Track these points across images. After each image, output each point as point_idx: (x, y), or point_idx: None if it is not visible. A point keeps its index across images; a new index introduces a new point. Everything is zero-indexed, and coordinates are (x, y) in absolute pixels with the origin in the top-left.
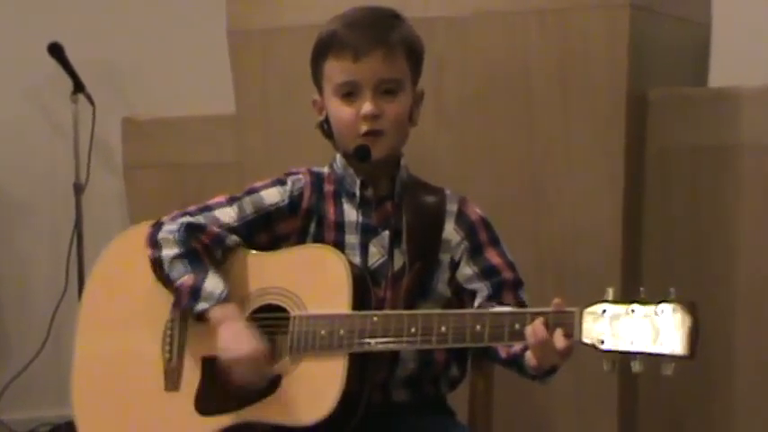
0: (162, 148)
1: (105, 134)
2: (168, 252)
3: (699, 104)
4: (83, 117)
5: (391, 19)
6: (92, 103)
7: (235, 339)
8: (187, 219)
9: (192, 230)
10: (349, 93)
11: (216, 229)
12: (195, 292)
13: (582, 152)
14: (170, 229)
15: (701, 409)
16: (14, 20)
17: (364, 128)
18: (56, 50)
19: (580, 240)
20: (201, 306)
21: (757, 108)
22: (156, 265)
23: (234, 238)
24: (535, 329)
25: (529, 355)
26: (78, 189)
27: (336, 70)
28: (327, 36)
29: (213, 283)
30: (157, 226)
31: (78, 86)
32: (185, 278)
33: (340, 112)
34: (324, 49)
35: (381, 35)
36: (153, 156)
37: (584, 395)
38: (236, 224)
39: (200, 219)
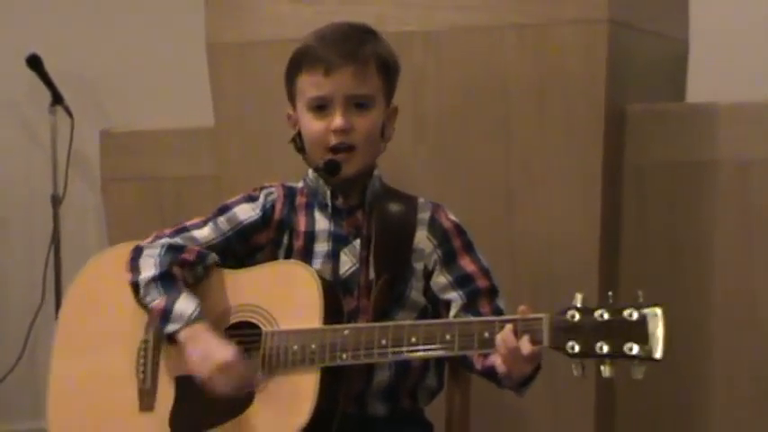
0: (140, 161)
1: (83, 146)
2: (144, 275)
3: (676, 119)
4: (61, 129)
5: (365, 34)
6: (70, 115)
7: (206, 353)
8: (167, 240)
9: (172, 251)
10: (320, 107)
11: (196, 248)
12: (166, 314)
13: (559, 166)
14: (150, 252)
15: (676, 410)
16: None
17: (334, 141)
18: (34, 62)
19: (557, 253)
20: (171, 327)
21: (734, 123)
22: (134, 289)
23: (213, 256)
24: (505, 338)
25: (499, 363)
26: (56, 201)
27: (308, 84)
28: (300, 51)
29: (184, 305)
30: (137, 250)
31: (57, 98)
32: (157, 301)
33: (311, 125)
34: (297, 63)
35: (353, 50)
36: (131, 168)
37: (562, 396)
38: (213, 242)
39: (178, 240)
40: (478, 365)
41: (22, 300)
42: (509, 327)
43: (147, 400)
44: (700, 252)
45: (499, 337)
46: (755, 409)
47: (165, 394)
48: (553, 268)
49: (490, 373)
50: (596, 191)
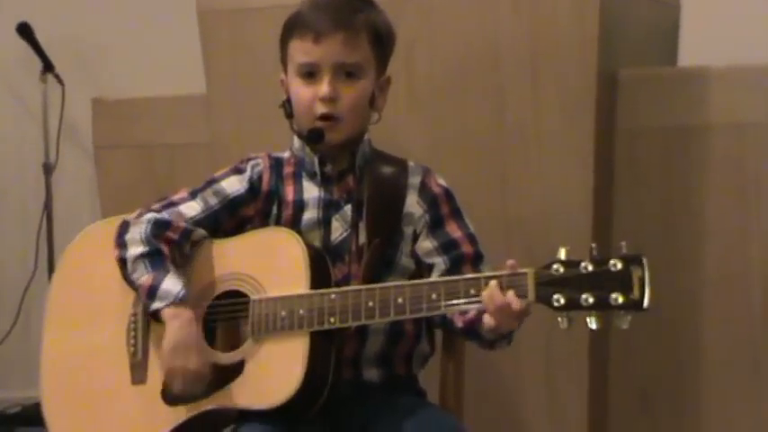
0: (132, 129)
1: (75, 114)
2: (133, 252)
3: (668, 84)
4: (52, 97)
5: (358, 3)
6: (61, 83)
7: (182, 347)
8: (153, 215)
9: (159, 227)
10: (309, 73)
11: (182, 224)
12: (152, 292)
13: (552, 132)
14: (136, 228)
15: (669, 384)
16: None
17: (321, 110)
18: (25, 30)
19: (550, 218)
20: (156, 305)
21: (725, 87)
22: (121, 264)
23: (201, 232)
24: (492, 295)
25: (487, 318)
26: (48, 169)
27: (298, 51)
28: (293, 17)
29: (171, 284)
30: (124, 226)
31: (47, 66)
32: (145, 278)
33: (299, 91)
34: (289, 28)
35: (344, 18)
36: (123, 136)
37: (555, 370)
38: (201, 216)
39: (164, 215)
40: (459, 323)
41: (14, 268)
42: (494, 283)
43: (138, 373)
44: (693, 216)
45: (486, 295)
46: (748, 374)
47: (157, 366)
48: (547, 232)
49: (471, 330)
50: (589, 156)
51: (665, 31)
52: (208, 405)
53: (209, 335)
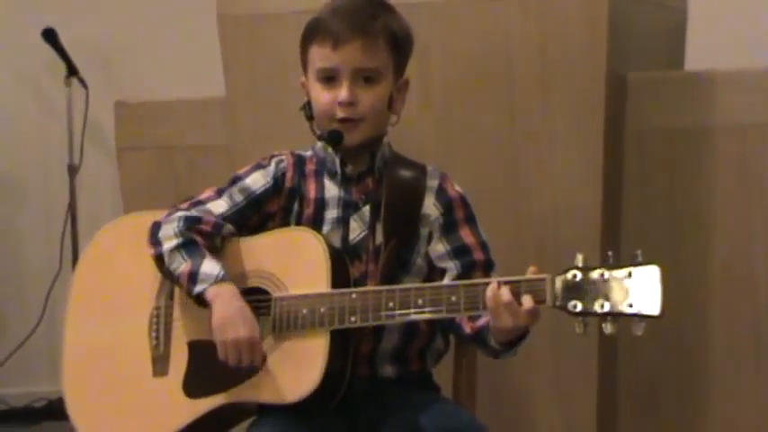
0: (154, 131)
1: (98, 117)
2: (168, 246)
3: (675, 87)
4: (76, 100)
5: (376, 8)
6: (85, 86)
7: (230, 321)
8: (183, 213)
9: (190, 222)
10: (328, 78)
11: (213, 218)
12: (193, 277)
13: (562, 133)
14: (168, 225)
15: (676, 382)
16: (10, 5)
17: (340, 114)
18: (50, 36)
19: (561, 217)
20: (198, 288)
21: (731, 90)
22: (159, 261)
23: (229, 227)
24: (494, 293)
25: (491, 319)
26: (72, 170)
27: (318, 56)
28: (313, 22)
29: (209, 267)
30: (155, 226)
31: (72, 70)
32: (183, 266)
33: (319, 96)
34: (309, 34)
35: (362, 24)
36: (145, 138)
37: (565, 370)
38: (228, 213)
39: (193, 212)
40: (467, 329)
41: (40, 267)
42: (494, 283)
43: (160, 365)
44: (699, 215)
45: (489, 292)
46: (755, 369)
47: (178, 359)
48: (557, 231)
49: (478, 337)
50: (598, 156)
51: (673, 36)
52: (227, 399)
53: None
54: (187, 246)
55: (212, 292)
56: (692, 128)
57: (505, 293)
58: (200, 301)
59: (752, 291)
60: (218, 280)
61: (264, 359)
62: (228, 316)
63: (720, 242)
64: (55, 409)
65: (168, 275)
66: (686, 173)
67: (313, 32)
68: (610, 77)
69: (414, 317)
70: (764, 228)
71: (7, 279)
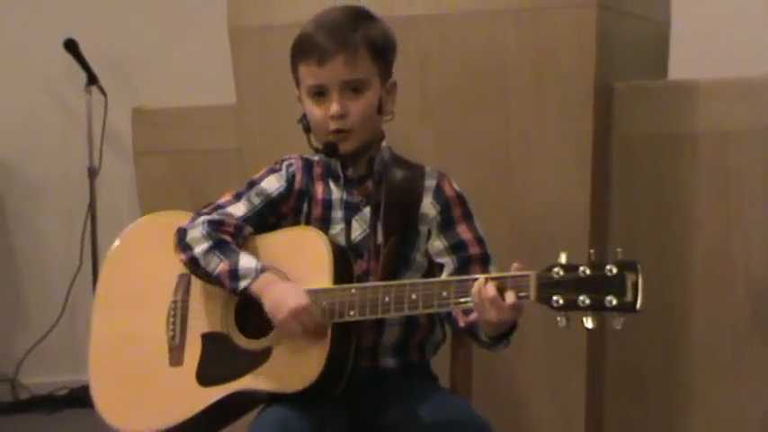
0: (169, 136)
1: (117, 123)
2: (200, 249)
3: (659, 95)
4: (96, 107)
5: (356, 21)
6: (104, 94)
7: (279, 300)
8: (206, 217)
9: (214, 224)
10: (318, 93)
11: (234, 221)
12: (233, 274)
13: (554, 138)
14: (194, 230)
15: (661, 370)
16: (33, 18)
17: (333, 126)
18: (71, 46)
19: (552, 217)
20: (243, 284)
21: (712, 99)
22: (193, 264)
23: (249, 229)
24: (479, 289)
25: (478, 313)
26: (92, 173)
27: (306, 74)
28: (298, 40)
29: (246, 261)
30: (181, 232)
31: (92, 79)
32: (221, 266)
33: (312, 111)
34: (296, 53)
35: (343, 39)
36: (160, 143)
37: (556, 360)
38: (248, 215)
39: (215, 216)
40: (461, 323)
41: (61, 264)
42: (481, 280)
43: (176, 355)
44: (682, 215)
45: (474, 288)
46: (733, 354)
47: (193, 350)
48: (548, 231)
49: (470, 331)
50: (587, 160)
51: (657, 47)
52: (237, 387)
53: (241, 323)
54: (220, 246)
55: (257, 285)
56: (674, 133)
57: (490, 289)
58: (245, 295)
59: (730, 287)
60: (259, 272)
61: (270, 350)
62: (276, 298)
63: (702, 241)
64: (76, 398)
65: (205, 277)
66: (669, 175)
67: (299, 52)
68: (598, 86)
69: (408, 311)
70: (742, 227)
71: (31, 275)
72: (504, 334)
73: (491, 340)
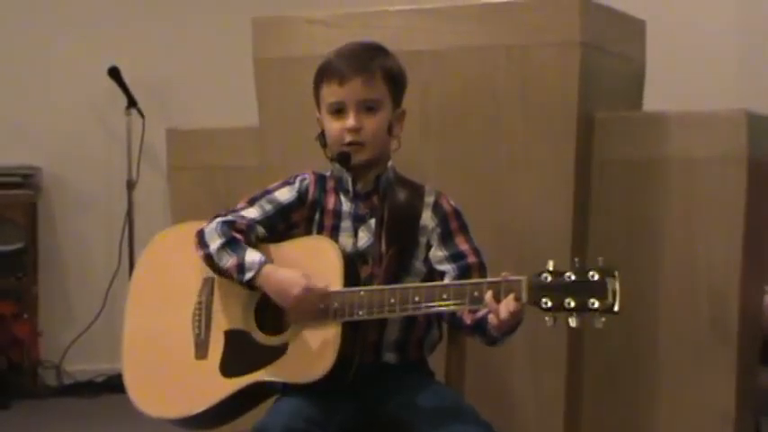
0: (198, 154)
1: (153, 141)
2: (214, 246)
3: (635, 125)
4: (134, 127)
5: (373, 51)
6: (142, 116)
7: (280, 289)
8: (221, 219)
9: (228, 224)
10: (337, 110)
11: (245, 221)
12: (240, 267)
13: (540, 162)
14: (210, 230)
15: (632, 365)
16: (80, 47)
17: (348, 138)
18: (114, 73)
19: (537, 233)
20: (247, 276)
21: (681, 129)
22: (209, 259)
23: (261, 229)
24: (507, 303)
25: (492, 317)
26: (130, 185)
27: (327, 93)
28: (322, 66)
29: (252, 256)
30: (200, 233)
31: (131, 102)
32: (231, 261)
33: (331, 125)
34: (319, 76)
35: (363, 64)
36: (191, 160)
37: (539, 356)
38: (259, 219)
39: (229, 217)
40: (468, 321)
41: (102, 265)
42: (491, 291)
43: (201, 349)
44: (652, 233)
45: (488, 297)
46: (693, 352)
47: (216, 345)
48: (534, 245)
49: (478, 326)
50: (569, 183)
51: (633, 82)
52: (256, 378)
53: (259, 319)
54: (231, 243)
55: (260, 277)
56: (648, 160)
57: (511, 305)
58: (251, 286)
59: (693, 294)
60: (262, 264)
61: (286, 345)
62: (278, 283)
63: (669, 254)
64: (113, 384)
65: (218, 271)
66: (643, 197)
67: (323, 75)
68: (580, 116)
69: (411, 312)
70: (706, 244)
71: (75, 275)
72: (511, 329)
73: (498, 335)
